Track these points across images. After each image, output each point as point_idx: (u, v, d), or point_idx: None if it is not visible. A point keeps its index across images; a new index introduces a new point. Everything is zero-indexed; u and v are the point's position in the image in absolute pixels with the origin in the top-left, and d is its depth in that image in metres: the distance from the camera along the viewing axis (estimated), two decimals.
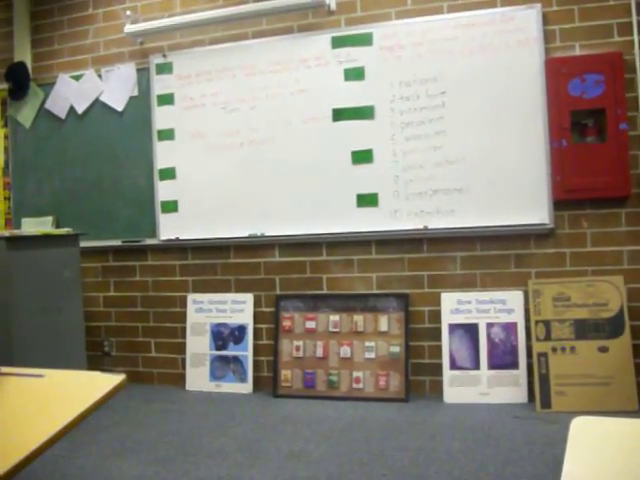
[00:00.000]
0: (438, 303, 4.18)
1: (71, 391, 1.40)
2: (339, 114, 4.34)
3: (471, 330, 4.08)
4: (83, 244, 4.45)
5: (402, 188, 4.20)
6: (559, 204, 3.98)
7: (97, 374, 1.47)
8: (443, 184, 4.12)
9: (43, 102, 5.09)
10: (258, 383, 4.55)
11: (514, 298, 4.04)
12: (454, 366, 4.06)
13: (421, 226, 4.17)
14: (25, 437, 1.17)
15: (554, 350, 3.82)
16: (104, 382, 1.39)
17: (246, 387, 4.54)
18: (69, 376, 1.49)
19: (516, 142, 4.00)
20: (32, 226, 4.31)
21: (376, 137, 4.26)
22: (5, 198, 5.26)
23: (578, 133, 3.94)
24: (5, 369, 1.46)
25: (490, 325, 4.05)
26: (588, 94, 3.86)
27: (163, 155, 4.75)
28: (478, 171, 4.07)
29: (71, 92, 5.00)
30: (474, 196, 4.07)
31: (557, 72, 3.91)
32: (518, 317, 4.01)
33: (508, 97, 4.02)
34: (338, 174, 4.34)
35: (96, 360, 4.84)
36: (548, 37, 3.99)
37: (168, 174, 4.73)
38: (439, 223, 4.14)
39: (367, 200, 4.28)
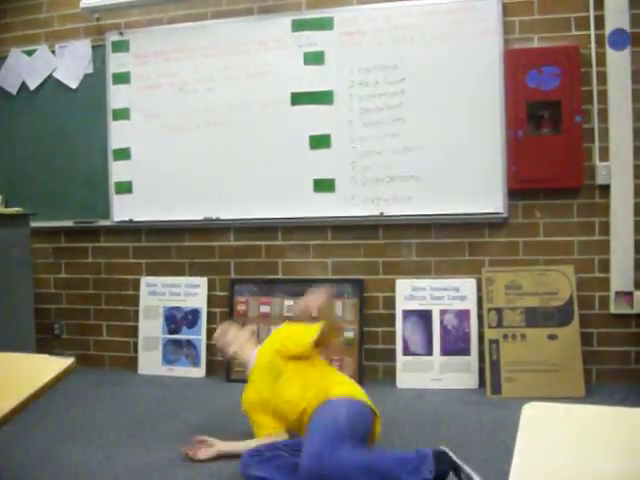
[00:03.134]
0: (393, 289, 4.21)
1: (19, 374, 1.38)
2: (298, 98, 4.31)
3: (425, 316, 4.13)
4: (34, 224, 4.36)
5: (359, 174, 4.21)
6: (513, 194, 4.04)
7: (46, 357, 1.45)
8: (400, 171, 4.14)
9: None
10: (211, 367, 4.53)
11: (467, 285, 4.10)
12: (407, 352, 4.11)
13: (377, 212, 4.18)
14: None
15: (505, 337, 3.89)
16: (53, 365, 1.37)
17: (199, 371, 4.52)
18: (17, 359, 1.46)
19: (473, 131, 4.04)
20: None
21: (334, 122, 4.25)
22: None
23: (534, 124, 4.00)
24: None
25: (443, 312, 4.10)
26: (545, 86, 3.92)
27: (118, 135, 4.66)
28: (435, 159, 4.10)
29: (23, 67, 4.86)
30: (431, 184, 4.10)
31: (515, 63, 3.96)
32: (471, 304, 4.07)
33: (467, 86, 4.05)
34: (295, 158, 4.32)
35: (46, 343, 4.73)
36: (507, 28, 4.03)
37: (123, 154, 4.65)
38: (395, 210, 4.16)
39: (324, 185, 4.28)
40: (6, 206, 4.28)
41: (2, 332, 3.80)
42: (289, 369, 2.94)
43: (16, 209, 4.22)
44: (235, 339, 3.23)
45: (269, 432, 2.93)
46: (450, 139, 4.08)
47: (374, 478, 2.40)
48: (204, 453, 2.98)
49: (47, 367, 1.37)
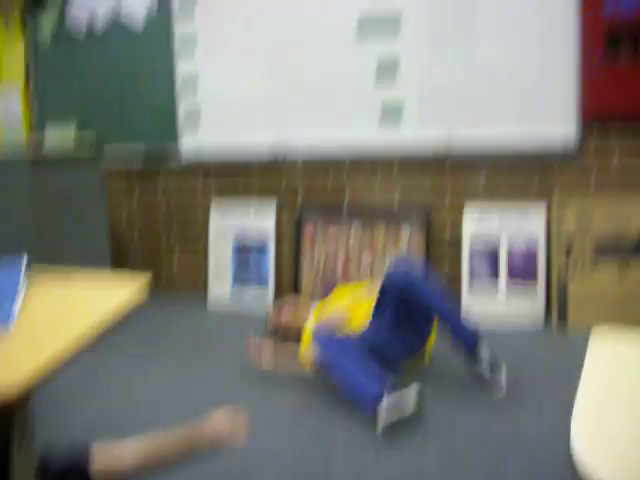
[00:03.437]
0: (460, 216, 4.16)
1: (99, 294, 1.43)
2: (365, 22, 4.19)
3: (492, 244, 4.09)
4: (106, 154, 4.46)
5: (428, 99, 4.10)
6: (587, 119, 3.86)
7: (122, 278, 1.49)
8: (470, 97, 4.01)
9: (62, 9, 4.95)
10: (279, 291, 4.63)
11: (537, 212, 4.02)
12: (473, 277, 4.10)
13: (446, 138, 4.09)
14: (54, 341, 1.20)
15: (574, 265, 3.82)
16: (130, 286, 1.42)
17: (267, 294, 4.62)
18: (95, 280, 1.51)
19: (546, 54, 3.86)
20: (55, 132, 4.29)
21: (402, 46, 4.12)
22: (27, 105, 5.22)
23: (611, 47, 3.77)
24: (34, 272, 1.49)
25: (511, 238, 4.05)
26: (624, 9, 3.68)
27: (184, 66, 4.66)
28: (507, 84, 3.94)
29: (90, 5, 4.84)
30: (501, 109, 3.97)
31: None
32: (540, 231, 3.99)
33: (541, 6, 3.84)
34: (362, 84, 4.23)
35: (121, 269, 4.90)
36: None
37: (190, 84, 4.66)
38: (464, 136, 4.05)
39: (391, 111, 4.20)
40: (80, 135, 4.36)
41: (80, 259, 3.95)
42: None
43: (90, 137, 4.30)
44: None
45: None
46: (522, 63, 3.91)
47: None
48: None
49: (126, 288, 1.42)
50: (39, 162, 3.89)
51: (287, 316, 3.60)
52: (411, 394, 2.61)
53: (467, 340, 2.93)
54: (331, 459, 2.37)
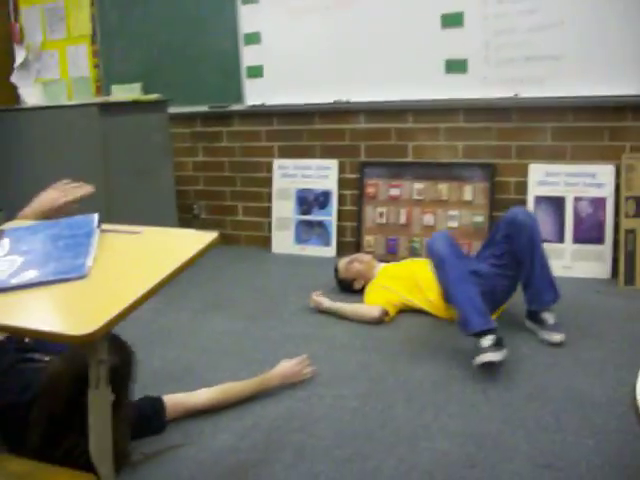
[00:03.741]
0: (525, 174, 4.09)
1: (168, 246, 1.48)
2: None
3: (557, 203, 4.00)
4: (171, 110, 4.51)
5: (493, 53, 4.00)
6: None
7: (192, 231, 1.54)
8: (537, 50, 3.88)
9: None
10: (341, 247, 4.67)
11: (605, 172, 3.90)
12: None
13: (511, 94, 3.99)
14: (126, 288, 1.27)
15: None
16: (199, 238, 1.46)
17: (330, 251, 4.68)
18: (165, 233, 1.57)
19: (618, 7, 3.69)
20: (122, 93, 4.39)
21: (467, 1, 4.02)
22: (94, 66, 5.35)
23: None
24: (105, 226, 1.55)
25: (578, 199, 3.96)
26: None
27: (248, 19, 4.66)
28: (575, 37, 3.80)
29: None
30: (569, 64, 3.83)
31: None
32: (607, 192, 3.89)
33: None
34: (426, 38, 4.16)
35: (186, 223, 5.01)
36: None
37: (253, 39, 4.66)
38: (530, 91, 3.95)
39: (456, 66, 4.12)
40: (145, 94, 4.45)
41: (147, 212, 4.07)
42: None
43: (155, 96, 4.38)
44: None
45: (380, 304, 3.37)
46: (592, 15, 3.75)
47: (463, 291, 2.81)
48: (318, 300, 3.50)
49: (193, 240, 1.46)
50: (107, 105, 4.01)
51: (353, 270, 3.66)
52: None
53: (546, 297, 2.97)
54: (394, 405, 2.43)
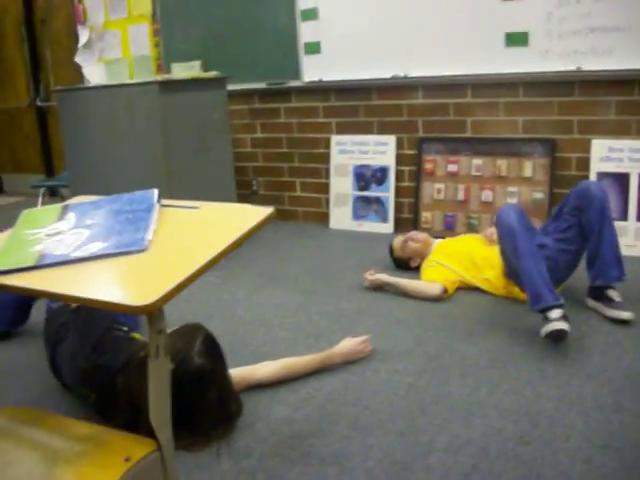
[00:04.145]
0: (587, 150, 3.99)
1: (225, 221, 1.51)
2: None
3: (621, 180, 3.90)
4: (230, 87, 4.56)
5: (555, 26, 3.89)
6: None
7: (248, 206, 1.56)
8: (601, 21, 3.75)
9: None
10: (399, 224, 4.66)
11: None
12: None
13: (574, 67, 3.88)
14: (185, 261, 1.30)
15: None
16: (255, 213, 1.49)
17: (387, 227, 4.67)
18: (223, 208, 1.60)
19: None
20: (181, 71, 4.45)
21: None
22: (155, 45, 5.44)
23: None
24: (165, 201, 1.59)
25: None
26: None
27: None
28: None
29: None
30: (637, 35, 3.68)
31: None
32: None
33: None
34: (486, 11, 4.07)
35: (245, 199, 5.07)
36: None
37: (310, 15, 4.65)
38: (594, 64, 3.83)
39: (516, 39, 4.02)
40: (205, 71, 4.49)
41: (206, 189, 4.14)
42: None
43: (214, 73, 4.42)
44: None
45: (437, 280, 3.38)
46: None
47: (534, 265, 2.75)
48: (373, 279, 3.49)
49: (250, 215, 1.48)
50: (167, 83, 4.08)
51: (409, 249, 3.66)
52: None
53: (612, 273, 2.90)
54: (448, 381, 2.43)
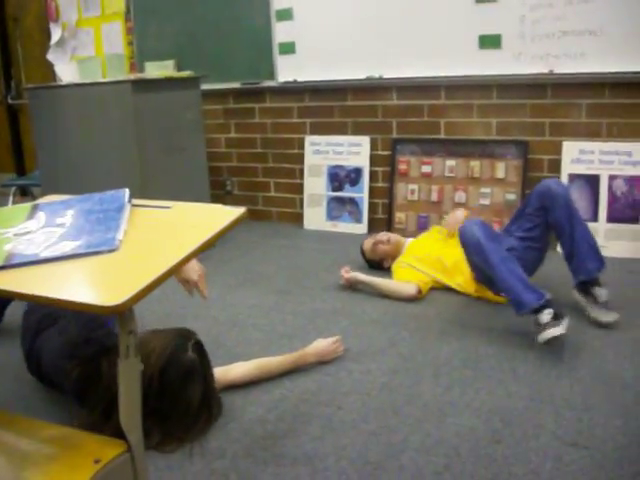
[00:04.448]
0: (559, 152, 4.03)
1: (197, 221, 1.50)
2: None
3: (592, 181, 3.95)
4: (204, 87, 4.55)
5: (528, 29, 3.93)
6: None
7: (220, 206, 1.55)
8: (574, 25, 3.80)
9: None
10: (373, 224, 4.68)
11: None
12: None
13: (546, 70, 3.93)
14: (155, 261, 1.29)
15: None
16: (227, 213, 1.48)
17: (361, 227, 4.69)
18: (194, 208, 1.59)
19: None
20: (155, 70, 4.43)
21: None
22: (128, 43, 5.40)
23: None
24: (135, 201, 1.58)
25: (613, 177, 3.89)
26: None
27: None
28: (615, 10, 3.70)
29: None
30: (608, 39, 3.73)
31: None
32: None
33: None
34: (460, 13, 4.11)
35: (218, 199, 5.06)
36: None
37: (285, 15, 4.65)
38: (566, 67, 3.88)
39: (490, 41, 4.06)
40: (178, 70, 4.48)
41: (180, 188, 4.13)
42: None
43: (188, 73, 4.41)
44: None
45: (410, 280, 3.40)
46: None
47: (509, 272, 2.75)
48: (348, 277, 3.49)
49: (222, 215, 1.47)
50: (140, 82, 4.06)
51: (379, 251, 3.68)
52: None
53: (590, 265, 2.91)
54: (421, 381, 2.44)
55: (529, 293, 2.67)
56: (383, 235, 3.75)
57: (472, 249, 2.92)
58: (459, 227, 3.04)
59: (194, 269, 2.32)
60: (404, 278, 3.41)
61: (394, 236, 3.77)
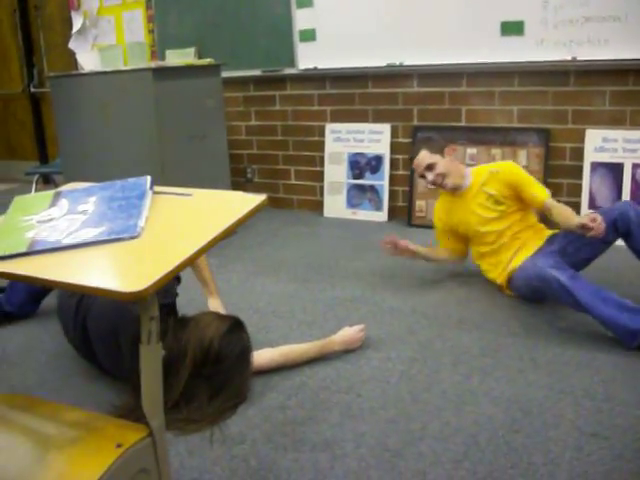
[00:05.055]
0: (581, 140, 3.99)
1: (217, 208, 1.50)
2: None
3: (615, 170, 3.90)
4: (224, 74, 4.54)
5: (551, 15, 3.88)
6: None
7: (241, 194, 1.56)
8: (598, 11, 3.75)
9: None
10: (393, 212, 4.67)
11: None
12: (593, 206, 3.93)
13: (569, 57, 3.88)
14: (176, 248, 1.30)
15: None
16: (248, 201, 1.48)
17: (381, 215, 4.68)
18: (215, 195, 1.60)
19: None
20: (176, 57, 4.43)
21: None
22: (149, 31, 5.41)
23: None
24: (157, 188, 1.59)
25: (636, 166, 3.84)
26: None
27: None
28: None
29: None
30: (632, 25, 3.68)
31: None
32: None
33: None
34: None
35: (239, 186, 5.10)
36: None
37: (305, 2, 4.63)
38: (590, 54, 3.82)
39: (512, 28, 4.02)
40: (199, 58, 4.48)
41: (201, 176, 4.15)
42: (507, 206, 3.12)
43: (208, 60, 4.41)
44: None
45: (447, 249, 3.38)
46: None
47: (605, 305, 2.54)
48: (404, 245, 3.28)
49: (243, 202, 1.47)
50: (161, 70, 4.07)
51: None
52: None
53: None
54: (440, 369, 2.45)
55: (630, 322, 2.49)
56: (436, 178, 3.25)
57: (554, 292, 2.65)
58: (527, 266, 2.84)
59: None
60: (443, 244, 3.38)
61: (447, 169, 3.25)
